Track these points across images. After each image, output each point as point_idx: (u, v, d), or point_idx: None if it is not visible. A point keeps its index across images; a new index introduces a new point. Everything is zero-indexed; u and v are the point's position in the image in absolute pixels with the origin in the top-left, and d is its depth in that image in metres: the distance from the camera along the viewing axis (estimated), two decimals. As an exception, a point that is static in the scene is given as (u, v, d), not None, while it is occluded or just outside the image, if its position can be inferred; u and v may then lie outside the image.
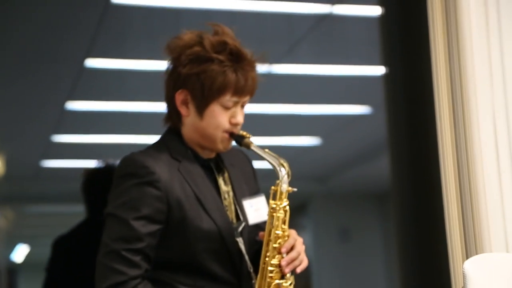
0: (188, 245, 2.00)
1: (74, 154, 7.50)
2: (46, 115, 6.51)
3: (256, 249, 2.13)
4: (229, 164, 2.18)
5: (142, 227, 1.96)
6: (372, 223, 10.25)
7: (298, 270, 2.07)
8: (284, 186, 2.07)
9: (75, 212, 4.45)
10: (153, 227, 1.98)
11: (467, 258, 2.80)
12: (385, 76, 3.77)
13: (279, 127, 7.18)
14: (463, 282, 2.19)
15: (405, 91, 3.54)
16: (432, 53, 2.88)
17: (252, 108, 7.74)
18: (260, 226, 2.16)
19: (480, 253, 2.76)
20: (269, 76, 5.88)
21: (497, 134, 2.83)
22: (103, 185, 2.79)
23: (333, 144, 8.02)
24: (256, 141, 2.12)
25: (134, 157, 2.03)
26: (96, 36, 4.94)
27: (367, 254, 10.02)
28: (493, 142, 2.82)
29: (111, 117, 6.40)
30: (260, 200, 2.15)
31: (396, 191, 3.69)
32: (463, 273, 2.20)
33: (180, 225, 2.00)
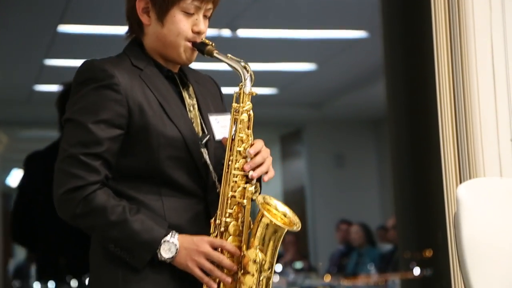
0: (151, 152, 1.97)
1: (67, 78, 7.46)
2: (37, 39, 6.46)
3: (221, 167, 2.08)
4: (193, 80, 2.15)
5: (101, 131, 1.93)
6: (367, 149, 10.28)
7: (266, 178, 2.02)
8: (247, 88, 2.01)
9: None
10: (113, 132, 1.95)
11: (461, 183, 2.83)
12: None
13: (274, 52, 7.12)
14: (456, 207, 2.21)
15: (402, 14, 3.51)
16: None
17: (246, 33, 7.71)
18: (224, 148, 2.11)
19: (474, 177, 2.78)
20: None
21: (494, 45, 2.81)
22: None
23: (329, 70, 7.96)
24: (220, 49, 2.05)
25: (93, 62, 2.00)
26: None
27: (362, 180, 10.08)
28: (490, 55, 2.80)
29: (104, 40, 6.35)
30: (227, 118, 2.08)
31: (392, 115, 3.69)
32: (456, 198, 2.21)
33: (142, 131, 1.97)
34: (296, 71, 8.06)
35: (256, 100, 2.05)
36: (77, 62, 2.11)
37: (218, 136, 2.08)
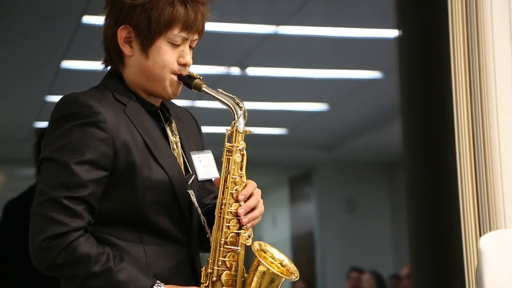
0: (135, 196, 1.89)
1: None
2: (40, 75, 6.48)
3: (205, 210, 2.03)
4: (174, 116, 2.09)
5: (86, 172, 1.84)
6: (379, 193, 10.24)
7: (249, 225, 1.95)
8: (241, 126, 1.96)
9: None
10: (98, 174, 1.86)
11: (480, 233, 2.79)
12: (398, 39, 3.73)
13: (284, 91, 7.13)
14: (478, 259, 2.17)
15: (419, 54, 3.50)
16: (450, 15, 2.83)
17: (256, 71, 7.74)
18: (206, 188, 2.08)
19: (494, 228, 2.74)
20: (275, 37, 5.83)
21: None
22: None
23: (341, 111, 7.98)
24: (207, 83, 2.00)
25: (75, 96, 1.92)
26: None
27: (374, 226, 10.02)
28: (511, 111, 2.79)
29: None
30: (209, 156, 2.04)
31: (408, 160, 3.66)
32: (478, 250, 2.18)
33: (126, 173, 1.89)
34: (307, 111, 8.06)
35: (265, 140, 2.03)
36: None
37: (201, 175, 2.02)
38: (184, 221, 1.97)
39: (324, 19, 5.57)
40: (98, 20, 5.33)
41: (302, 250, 10.54)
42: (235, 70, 6.35)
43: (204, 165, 2.03)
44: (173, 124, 2.06)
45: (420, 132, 3.53)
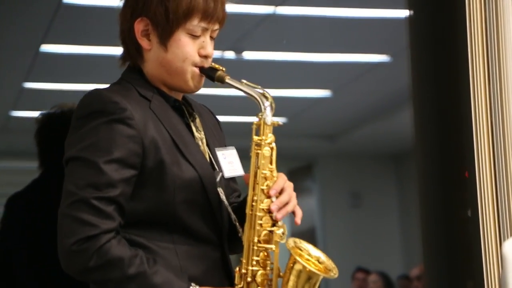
0: (166, 195, 1.95)
1: (49, 103, 7.45)
2: (18, 59, 6.45)
3: (235, 206, 2.09)
4: (197, 111, 2.14)
5: (115, 171, 1.89)
6: (387, 187, 10.27)
7: (298, 219, 2.04)
8: (268, 118, 2.02)
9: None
10: (128, 172, 1.91)
11: (499, 230, 2.78)
12: (409, 19, 3.71)
13: (283, 77, 7.13)
14: (502, 264, 2.17)
15: (432, 35, 3.48)
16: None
17: (253, 55, 7.74)
18: (231, 186, 2.14)
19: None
20: (273, 18, 5.82)
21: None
22: (60, 134, 2.69)
23: (345, 97, 7.99)
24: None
25: (101, 93, 1.96)
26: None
27: (381, 222, 10.05)
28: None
29: (91, 60, 6.34)
30: (233, 152, 2.11)
31: (420, 150, 3.65)
32: (502, 255, 2.18)
33: (155, 172, 1.94)
34: (307, 98, 8.07)
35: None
36: (61, 86, 2.06)
37: (227, 173, 2.07)
38: (215, 221, 2.02)
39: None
40: (81, 0, 5.33)
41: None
42: (230, 54, 6.35)
43: (229, 162, 2.09)
44: (197, 120, 2.12)
45: (433, 120, 3.52)
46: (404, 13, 3.85)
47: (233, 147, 2.13)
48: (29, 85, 7.13)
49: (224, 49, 6.18)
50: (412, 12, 3.67)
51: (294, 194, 2.03)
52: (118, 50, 2.13)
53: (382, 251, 9.72)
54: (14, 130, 8.38)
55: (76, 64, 6.40)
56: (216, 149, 2.10)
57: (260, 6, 5.61)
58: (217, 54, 6.07)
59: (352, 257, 9.28)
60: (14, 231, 3.45)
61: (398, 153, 9.83)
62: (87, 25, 5.66)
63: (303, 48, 6.49)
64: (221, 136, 2.20)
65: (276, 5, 5.61)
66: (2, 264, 3.46)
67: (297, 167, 10.71)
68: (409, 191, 8.99)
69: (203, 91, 2.13)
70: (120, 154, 1.90)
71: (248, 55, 6.47)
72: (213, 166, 2.07)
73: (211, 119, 2.21)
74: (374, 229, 9.97)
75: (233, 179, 2.15)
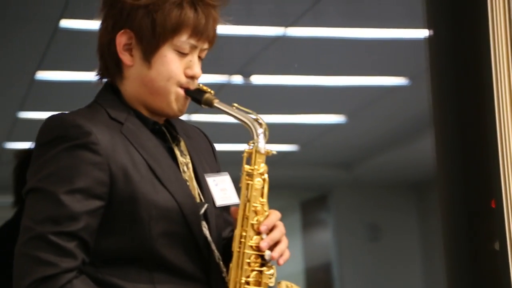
0: (140, 228, 1.87)
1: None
2: (12, 87, 6.48)
3: (224, 243, 2.02)
4: (183, 134, 2.07)
5: (77, 203, 1.82)
6: (407, 218, 10.27)
7: (281, 261, 1.94)
8: (261, 146, 1.95)
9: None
10: (92, 204, 1.83)
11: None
12: (428, 40, 3.72)
13: (295, 102, 7.17)
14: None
15: (453, 56, 3.49)
16: (490, 11, 2.83)
17: (262, 79, 7.76)
18: (225, 219, 2.06)
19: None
20: (283, 40, 5.84)
21: None
22: None
23: (360, 123, 8.01)
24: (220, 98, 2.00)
25: (62, 117, 1.90)
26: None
27: (401, 256, 10.05)
28: None
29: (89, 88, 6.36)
30: (226, 179, 2.04)
31: (443, 179, 3.64)
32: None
33: (128, 202, 1.86)
34: (321, 125, 8.08)
35: (273, 159, 1.99)
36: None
37: (219, 201, 2.01)
38: (201, 256, 1.95)
39: (340, 18, 5.57)
40: (78, 24, 5.36)
41: (318, 285, 10.54)
42: (237, 79, 6.36)
43: (222, 189, 2.02)
44: (182, 143, 2.04)
45: (456, 146, 3.51)
46: (423, 33, 3.86)
47: (227, 173, 2.05)
48: (24, 114, 7.17)
49: (231, 73, 6.18)
50: (431, 31, 3.67)
51: (284, 232, 1.96)
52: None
53: (403, 286, 9.69)
54: (8, 162, 8.40)
55: (73, 91, 6.40)
56: (206, 175, 2.02)
57: (269, 27, 5.63)
58: (223, 78, 6.18)
59: (371, 294, 9.28)
60: None
61: (419, 182, 9.83)
62: (85, 51, 5.68)
63: (316, 71, 6.51)
64: (214, 162, 2.13)
65: (287, 26, 5.62)
66: None
67: (310, 198, 10.71)
68: (431, 223, 8.98)
69: (189, 117, 2.08)
70: (84, 183, 1.83)
71: (256, 79, 6.48)
72: (202, 194, 2.00)
73: (204, 143, 2.14)
74: (394, 265, 9.95)
75: (227, 210, 2.06)
